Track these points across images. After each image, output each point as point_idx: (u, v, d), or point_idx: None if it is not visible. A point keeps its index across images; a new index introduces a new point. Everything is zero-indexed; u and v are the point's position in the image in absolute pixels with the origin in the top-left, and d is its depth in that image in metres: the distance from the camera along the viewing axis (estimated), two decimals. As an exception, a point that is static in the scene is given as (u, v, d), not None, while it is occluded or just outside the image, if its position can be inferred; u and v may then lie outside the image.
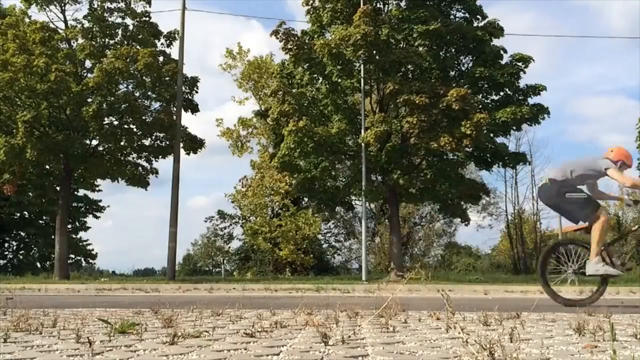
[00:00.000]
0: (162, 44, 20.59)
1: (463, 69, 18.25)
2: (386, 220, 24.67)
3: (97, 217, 30.40)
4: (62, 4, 20.13)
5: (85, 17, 19.83)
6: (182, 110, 19.50)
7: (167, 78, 19.19)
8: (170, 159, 19.12)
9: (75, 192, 27.05)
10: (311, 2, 18.51)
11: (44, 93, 17.58)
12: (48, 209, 27.98)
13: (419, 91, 15.48)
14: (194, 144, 20.47)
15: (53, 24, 19.80)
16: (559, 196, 5.62)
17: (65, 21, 20.28)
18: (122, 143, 19.41)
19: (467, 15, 18.19)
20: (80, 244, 31.70)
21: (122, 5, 20.10)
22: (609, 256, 5.51)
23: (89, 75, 19.37)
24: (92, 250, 32.49)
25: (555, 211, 6.08)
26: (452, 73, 18.14)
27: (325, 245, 34.87)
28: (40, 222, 30.63)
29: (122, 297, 7.54)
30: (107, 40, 19.99)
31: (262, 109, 22.24)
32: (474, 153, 17.79)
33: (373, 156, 16.65)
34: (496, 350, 1.61)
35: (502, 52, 17.53)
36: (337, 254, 36.09)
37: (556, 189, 5.64)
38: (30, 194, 25.31)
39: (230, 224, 33.74)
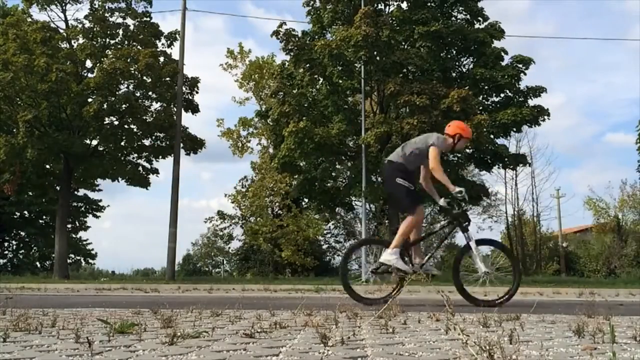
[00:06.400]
0: (162, 44, 20.64)
1: (464, 70, 18.25)
2: (386, 221, 24.65)
3: (97, 217, 30.45)
4: (63, 4, 20.16)
5: (86, 17, 19.89)
6: (182, 111, 19.54)
7: (167, 78, 19.23)
8: (170, 159, 19.17)
9: (75, 192, 27.06)
10: (312, 2, 18.53)
11: (45, 93, 17.61)
12: (48, 209, 27.98)
13: (419, 92, 15.47)
14: (194, 144, 20.50)
15: (54, 23, 19.87)
16: (390, 180, 5.06)
17: (66, 21, 20.32)
18: (122, 143, 19.45)
19: (468, 17, 18.20)
20: (80, 243, 31.70)
21: (123, 5, 20.14)
22: (407, 253, 5.14)
23: (89, 75, 19.41)
24: (92, 250, 32.52)
25: (389, 199, 5.47)
26: (453, 74, 18.14)
27: (325, 246, 34.84)
28: (40, 222, 30.62)
29: (122, 297, 7.54)
30: (107, 40, 20.02)
31: (263, 109, 22.28)
32: (474, 154, 17.78)
33: (373, 157, 16.64)
34: (496, 352, 1.60)
35: (502, 53, 17.54)
36: (337, 255, 36.06)
37: (390, 171, 5.07)
38: (30, 193, 25.31)
39: (230, 225, 33.73)
